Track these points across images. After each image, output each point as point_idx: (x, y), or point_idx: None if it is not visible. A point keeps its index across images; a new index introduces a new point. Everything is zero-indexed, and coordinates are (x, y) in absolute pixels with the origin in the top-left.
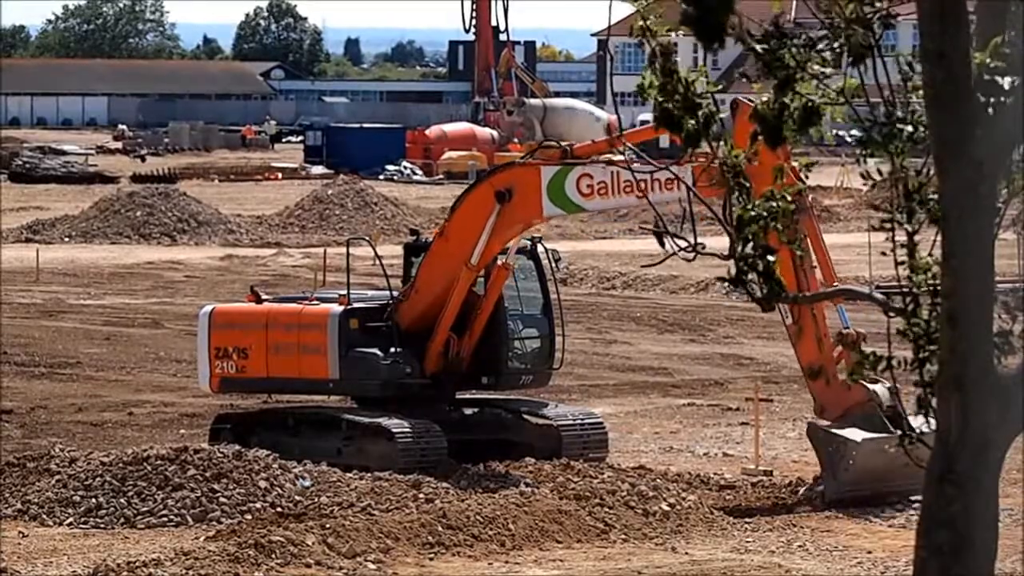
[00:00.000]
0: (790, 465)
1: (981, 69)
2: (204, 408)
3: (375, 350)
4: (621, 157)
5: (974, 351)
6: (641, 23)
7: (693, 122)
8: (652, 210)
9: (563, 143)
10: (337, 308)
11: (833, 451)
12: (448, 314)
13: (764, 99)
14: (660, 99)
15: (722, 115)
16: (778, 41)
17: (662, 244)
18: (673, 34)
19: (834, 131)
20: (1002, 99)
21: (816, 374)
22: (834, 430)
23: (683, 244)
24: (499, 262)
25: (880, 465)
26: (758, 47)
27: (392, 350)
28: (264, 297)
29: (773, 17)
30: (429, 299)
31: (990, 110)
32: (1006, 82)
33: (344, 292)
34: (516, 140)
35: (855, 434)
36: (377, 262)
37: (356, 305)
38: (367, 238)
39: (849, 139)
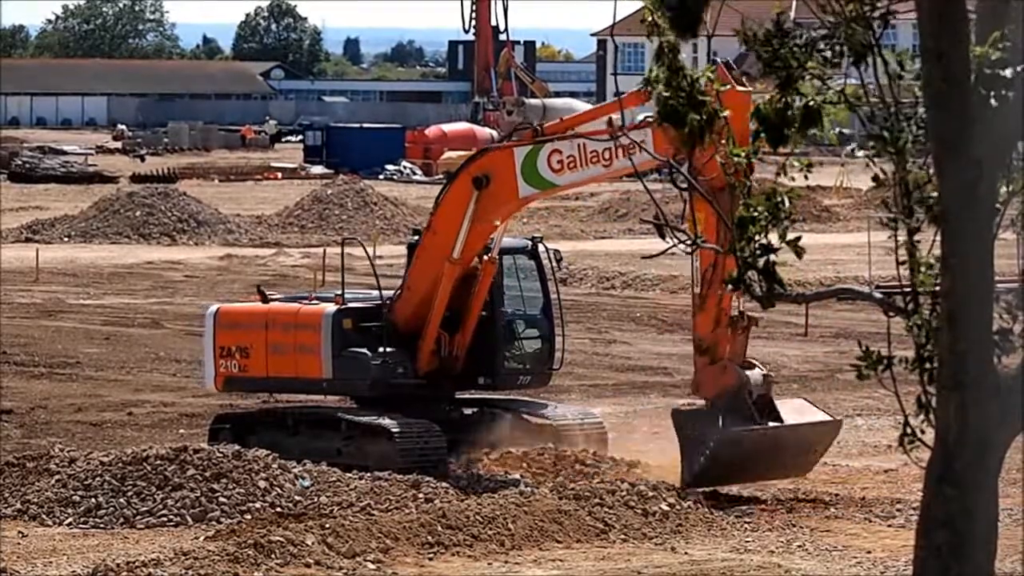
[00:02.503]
0: None
1: (981, 62)
2: (204, 408)
3: (366, 350)
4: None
5: (974, 351)
6: (649, 18)
7: (697, 118)
8: (655, 205)
9: (535, 123)
10: (331, 308)
11: (690, 439)
12: (436, 312)
13: (767, 98)
14: (665, 94)
15: (724, 113)
16: (779, 41)
17: (663, 236)
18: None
19: (837, 130)
20: (1003, 92)
21: (704, 351)
22: (694, 419)
23: (683, 237)
24: (486, 257)
25: (735, 457)
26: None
27: (381, 350)
28: (272, 297)
29: (774, 16)
30: (419, 297)
31: (992, 102)
32: (1007, 73)
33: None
34: None
35: (713, 425)
36: (370, 263)
37: (350, 305)
38: (359, 239)
39: (851, 146)
